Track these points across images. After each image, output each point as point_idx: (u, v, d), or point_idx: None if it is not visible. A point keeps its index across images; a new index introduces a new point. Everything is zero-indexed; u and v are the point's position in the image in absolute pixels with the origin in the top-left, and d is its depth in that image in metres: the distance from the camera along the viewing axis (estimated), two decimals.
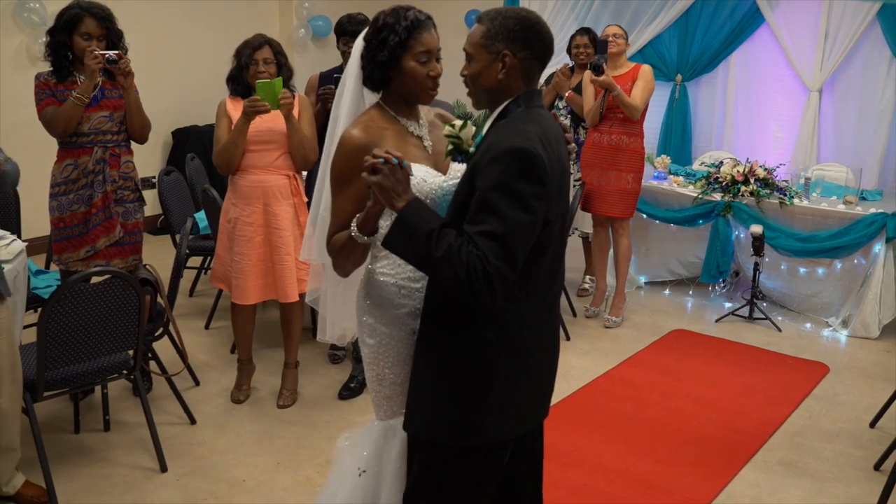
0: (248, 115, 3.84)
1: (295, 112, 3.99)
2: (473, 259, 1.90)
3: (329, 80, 4.52)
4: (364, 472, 2.48)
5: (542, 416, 2.37)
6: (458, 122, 2.26)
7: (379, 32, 2.32)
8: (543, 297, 2.17)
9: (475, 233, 1.92)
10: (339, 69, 4.68)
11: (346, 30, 4.59)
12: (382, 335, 2.41)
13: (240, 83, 4.01)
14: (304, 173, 4.40)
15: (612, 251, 5.65)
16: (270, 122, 3.94)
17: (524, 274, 2.03)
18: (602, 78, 4.99)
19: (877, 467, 3.77)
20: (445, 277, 1.95)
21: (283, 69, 4.03)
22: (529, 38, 2.08)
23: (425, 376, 2.22)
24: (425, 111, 2.48)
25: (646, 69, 5.23)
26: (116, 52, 3.85)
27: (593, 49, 5.61)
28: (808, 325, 5.55)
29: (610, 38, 5.19)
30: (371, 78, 2.37)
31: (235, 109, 3.98)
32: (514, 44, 2.07)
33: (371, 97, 2.44)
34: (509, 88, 2.12)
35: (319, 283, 2.68)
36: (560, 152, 2.10)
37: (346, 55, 4.57)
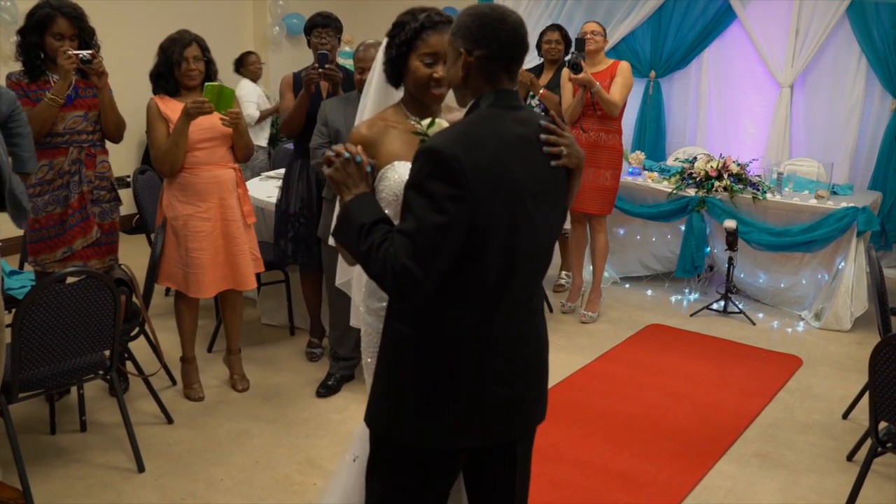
0: (192, 116, 3.85)
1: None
2: (387, 256, 1.89)
3: (301, 80, 4.54)
4: (356, 458, 2.52)
5: (503, 433, 2.17)
6: (427, 121, 2.31)
7: (393, 29, 2.40)
8: (490, 305, 2.03)
9: (395, 231, 1.93)
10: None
11: (317, 22, 4.65)
12: (368, 324, 2.48)
13: (169, 80, 4.01)
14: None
15: (588, 247, 5.68)
16: (212, 118, 3.96)
17: (455, 276, 1.96)
18: (581, 76, 5.00)
19: (849, 458, 3.82)
20: (368, 272, 1.97)
21: (210, 65, 4.07)
22: (484, 35, 2.00)
23: (376, 369, 2.21)
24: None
25: (624, 66, 5.25)
26: (90, 51, 3.82)
27: (564, 46, 5.63)
28: (782, 318, 5.61)
29: (588, 35, 5.20)
30: (387, 73, 2.44)
31: (169, 110, 3.97)
32: (470, 42, 2.01)
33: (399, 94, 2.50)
34: (473, 88, 2.07)
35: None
36: (507, 158, 1.97)
37: (318, 48, 4.60)
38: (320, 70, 4.34)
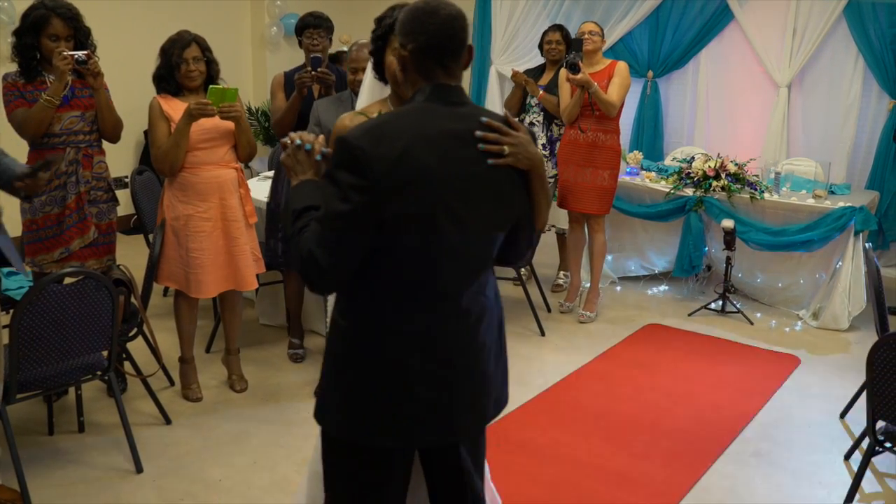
0: (194, 117, 3.85)
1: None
2: (302, 241, 1.94)
3: (293, 79, 4.54)
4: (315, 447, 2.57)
5: (427, 438, 2.12)
6: (377, 114, 2.35)
7: (375, 24, 2.45)
8: (409, 301, 2.01)
9: (313, 218, 1.96)
10: (303, 67, 4.70)
11: (308, 23, 4.66)
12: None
13: (170, 82, 4.00)
14: None
15: (586, 247, 5.68)
16: (214, 118, 3.95)
17: (374, 269, 1.98)
18: (579, 76, 5.00)
19: (847, 457, 3.83)
20: (292, 256, 2.00)
21: (212, 65, 4.06)
22: (414, 29, 1.99)
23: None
24: None
25: (622, 66, 5.25)
26: (85, 52, 3.81)
27: (565, 46, 5.64)
28: (780, 317, 5.61)
29: (586, 36, 5.20)
30: (374, 69, 2.49)
31: (172, 109, 3.96)
32: (403, 36, 2.02)
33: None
34: (411, 83, 2.07)
35: None
36: (424, 152, 1.92)
37: (309, 49, 4.60)
38: (313, 73, 4.34)
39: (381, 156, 1.88)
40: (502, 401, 2.26)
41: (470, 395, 2.12)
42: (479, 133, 2.01)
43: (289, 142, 2.14)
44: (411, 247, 1.96)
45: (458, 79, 2.06)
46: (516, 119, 6.07)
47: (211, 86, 3.89)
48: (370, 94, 2.60)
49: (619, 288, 6.16)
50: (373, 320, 2.02)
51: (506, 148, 2.03)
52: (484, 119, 2.04)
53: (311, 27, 4.64)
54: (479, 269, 2.11)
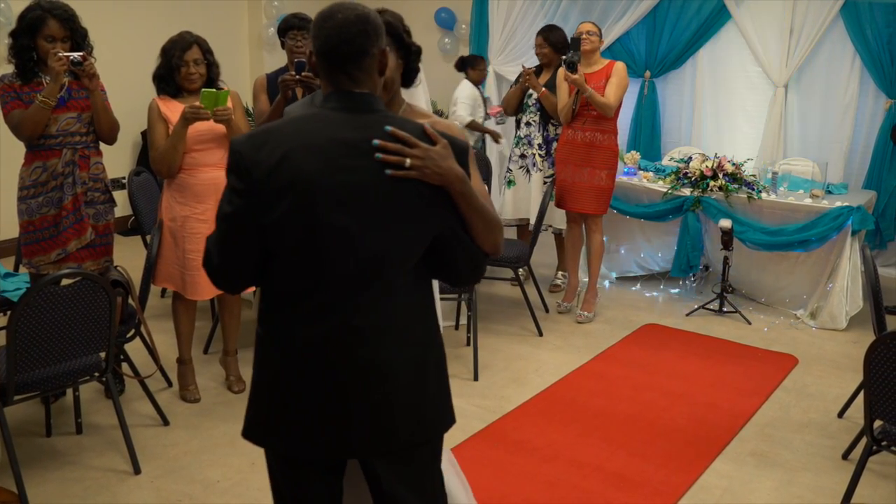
0: (189, 121, 3.85)
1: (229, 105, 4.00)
2: (208, 239, 2.02)
3: (276, 81, 4.53)
4: None
5: (323, 450, 2.04)
6: None
7: None
8: (291, 310, 1.97)
9: None
10: (285, 69, 4.69)
11: (292, 24, 4.64)
12: None
13: (170, 83, 4.00)
14: None
15: (584, 247, 5.69)
16: (209, 121, 3.94)
17: (268, 275, 1.98)
18: (574, 77, 5.01)
19: (845, 457, 3.83)
20: None
21: (212, 67, 4.06)
22: (314, 34, 1.96)
23: None
24: (417, 113, 2.44)
25: (619, 66, 5.25)
26: (81, 53, 3.80)
27: (550, 49, 5.63)
28: (777, 317, 5.61)
29: (584, 36, 5.21)
30: None
31: (170, 111, 3.97)
32: (311, 41, 1.99)
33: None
34: (322, 88, 2.02)
35: None
36: (308, 160, 1.86)
37: (292, 51, 4.59)
38: (297, 77, 4.34)
39: (260, 161, 1.86)
40: (433, 423, 2.12)
41: (362, 414, 1.99)
42: (376, 142, 1.89)
43: None
44: (294, 256, 1.92)
45: (366, 86, 1.96)
46: (516, 117, 6.04)
47: (203, 89, 3.88)
48: None
49: (616, 288, 6.16)
50: (269, 326, 2.03)
51: (408, 160, 1.89)
52: (388, 128, 1.91)
53: (296, 29, 4.62)
54: (379, 284, 1.96)
